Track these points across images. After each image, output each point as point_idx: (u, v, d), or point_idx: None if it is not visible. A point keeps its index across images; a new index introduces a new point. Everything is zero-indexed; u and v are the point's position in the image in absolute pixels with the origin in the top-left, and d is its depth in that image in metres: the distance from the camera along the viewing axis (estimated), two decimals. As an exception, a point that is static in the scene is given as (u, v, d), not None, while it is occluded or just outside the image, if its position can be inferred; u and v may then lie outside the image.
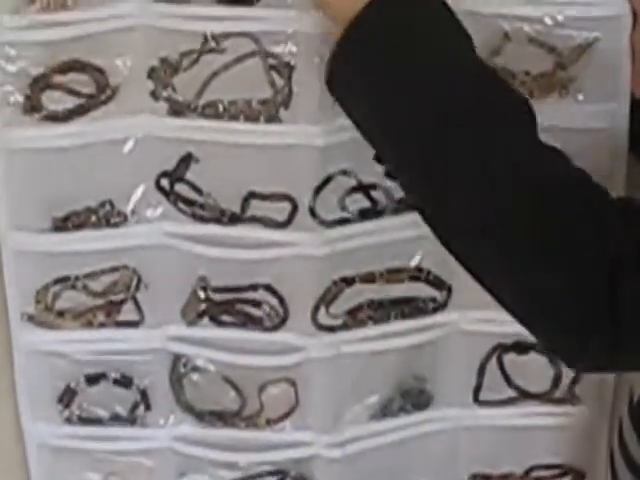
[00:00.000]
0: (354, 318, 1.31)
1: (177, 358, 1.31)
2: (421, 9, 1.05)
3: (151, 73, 1.20)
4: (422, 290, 1.31)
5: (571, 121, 1.21)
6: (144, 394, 1.33)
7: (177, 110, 1.21)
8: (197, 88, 1.21)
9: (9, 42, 1.17)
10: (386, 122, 1.04)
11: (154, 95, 1.21)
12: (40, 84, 1.19)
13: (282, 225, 1.26)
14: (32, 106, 1.20)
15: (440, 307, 1.32)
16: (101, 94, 1.20)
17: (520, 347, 1.34)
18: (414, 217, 1.18)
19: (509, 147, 1.01)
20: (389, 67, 1.03)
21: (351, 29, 1.04)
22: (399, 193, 1.25)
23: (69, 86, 1.20)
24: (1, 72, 1.18)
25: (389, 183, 1.26)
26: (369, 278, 1.30)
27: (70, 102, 1.21)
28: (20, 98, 1.19)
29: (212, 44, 1.19)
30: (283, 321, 1.30)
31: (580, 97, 1.23)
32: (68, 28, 1.18)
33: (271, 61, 1.19)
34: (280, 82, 1.20)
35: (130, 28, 1.18)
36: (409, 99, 1.02)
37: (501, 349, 1.35)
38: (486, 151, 1.00)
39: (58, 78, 1.19)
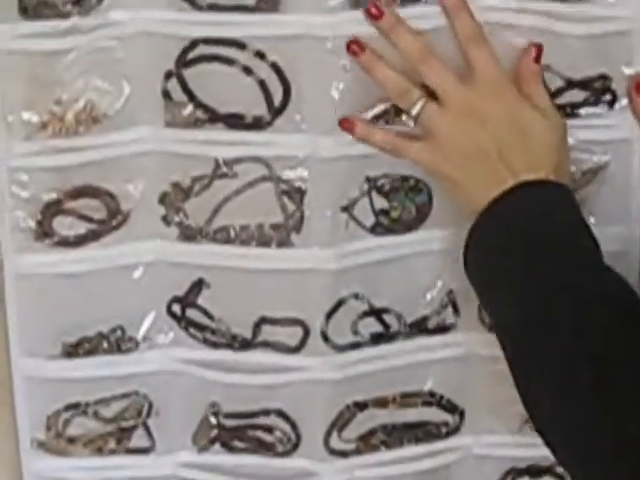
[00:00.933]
0: (367, 443, 1.23)
1: (188, 485, 1.20)
2: (556, 211, 1.05)
3: (163, 198, 1.15)
4: (435, 414, 1.23)
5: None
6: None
7: (188, 235, 1.16)
8: (209, 213, 1.15)
9: (21, 168, 1.13)
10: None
11: (165, 220, 1.15)
12: (52, 210, 1.14)
13: (294, 350, 1.19)
14: (44, 232, 1.14)
15: (453, 431, 1.24)
16: (112, 219, 1.15)
17: (534, 471, 1.25)
18: (426, 341, 1.19)
19: None
20: (511, 262, 1.04)
21: (484, 218, 1.05)
22: (411, 317, 1.20)
23: (81, 212, 1.15)
24: (13, 198, 1.13)
25: (401, 307, 1.20)
26: (382, 403, 1.22)
27: (82, 228, 1.16)
28: (32, 224, 1.14)
29: (224, 169, 1.14)
30: (295, 446, 1.22)
31: (592, 220, 1.15)
32: (80, 154, 1.13)
33: (283, 186, 1.14)
34: (292, 207, 1.14)
35: (142, 153, 1.13)
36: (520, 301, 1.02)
37: (515, 473, 1.26)
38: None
39: (69, 204, 1.14)
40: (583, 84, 1.14)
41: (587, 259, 1.02)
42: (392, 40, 1.07)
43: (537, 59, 1.07)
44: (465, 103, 1.06)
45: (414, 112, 1.07)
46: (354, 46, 1.07)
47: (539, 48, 1.07)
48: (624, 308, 0.98)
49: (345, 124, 1.10)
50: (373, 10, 1.06)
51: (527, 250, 1.02)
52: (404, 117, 1.09)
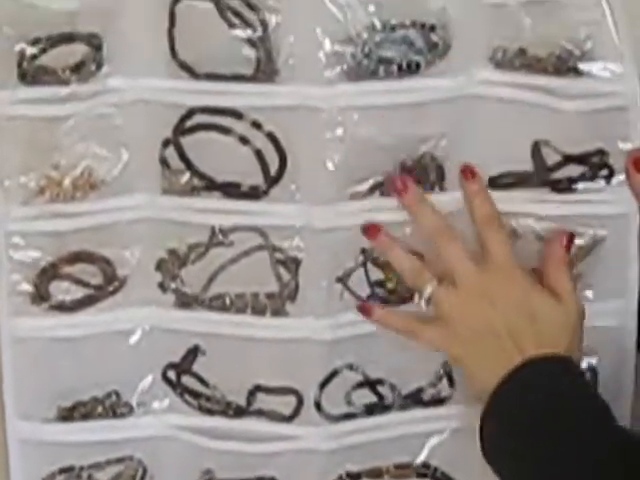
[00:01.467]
0: (360, 512, 1.17)
1: None
2: (563, 392, 1.05)
3: (159, 265, 1.13)
4: (429, 487, 1.18)
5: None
6: None
7: (184, 302, 1.13)
8: (204, 281, 1.13)
9: (18, 232, 1.10)
10: None
11: (162, 287, 1.13)
12: (48, 274, 1.11)
13: (288, 419, 1.15)
14: (40, 296, 1.11)
15: (447, 503, 1.18)
16: (109, 285, 1.13)
17: None
18: (421, 413, 1.16)
19: None
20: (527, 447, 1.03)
21: (494, 399, 1.05)
22: (406, 389, 1.17)
23: (77, 276, 1.12)
24: (10, 261, 1.11)
25: (396, 379, 1.17)
26: (376, 473, 1.18)
27: (78, 292, 1.13)
28: (28, 288, 1.12)
29: (220, 237, 1.12)
30: (288, 515, 1.16)
31: (589, 294, 1.15)
32: (77, 219, 1.11)
33: (278, 255, 1.12)
34: (287, 276, 1.12)
35: (139, 220, 1.11)
36: None
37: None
38: None
39: (66, 268, 1.12)
40: (580, 159, 1.12)
41: (597, 427, 1.02)
42: (413, 215, 1.09)
43: (568, 248, 1.10)
44: (477, 285, 1.07)
45: (426, 295, 1.08)
46: (370, 230, 1.09)
47: (571, 237, 1.10)
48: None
49: (363, 309, 1.12)
50: (399, 184, 1.08)
51: (535, 429, 1.02)
52: (415, 300, 1.11)
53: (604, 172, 1.12)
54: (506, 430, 1.04)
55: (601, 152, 1.12)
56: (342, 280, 1.12)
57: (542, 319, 1.05)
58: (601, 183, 1.12)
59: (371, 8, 1.08)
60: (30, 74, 1.07)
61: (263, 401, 1.15)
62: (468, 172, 1.09)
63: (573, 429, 1.01)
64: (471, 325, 1.07)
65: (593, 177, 1.12)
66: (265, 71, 1.08)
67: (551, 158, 1.12)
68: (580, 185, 1.12)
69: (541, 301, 1.06)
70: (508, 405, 1.04)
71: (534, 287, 1.06)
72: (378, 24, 1.09)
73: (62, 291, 1.12)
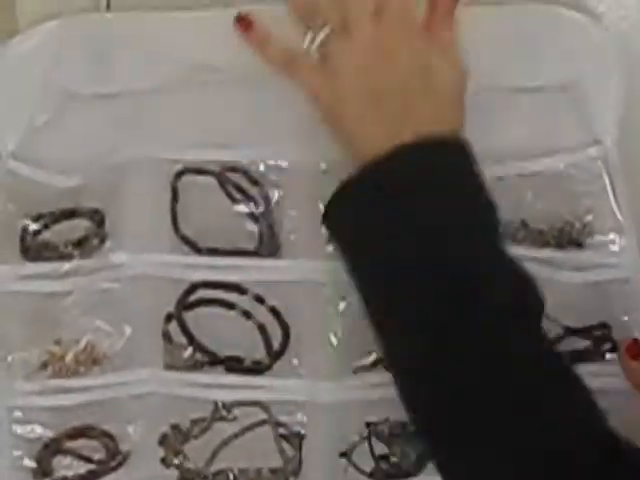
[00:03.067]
0: None
1: None
2: (454, 173, 0.87)
3: (162, 440, 1.01)
4: None
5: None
6: None
7: (188, 478, 1.01)
8: (208, 456, 1.01)
9: (21, 407, 1.00)
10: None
11: (165, 462, 1.01)
12: (51, 449, 1.00)
13: None
14: (43, 471, 1.00)
15: None
16: (111, 460, 1.01)
17: None
18: None
19: None
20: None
21: (369, 171, 0.86)
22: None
23: (80, 452, 1.01)
24: (12, 437, 1.01)
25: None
26: None
27: (80, 468, 1.01)
28: (30, 463, 1.00)
29: (223, 412, 1.01)
30: None
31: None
32: (79, 394, 1.01)
33: (281, 430, 1.01)
34: (290, 451, 1.01)
35: (141, 395, 1.01)
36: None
37: None
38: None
39: (69, 444, 1.00)
40: (583, 332, 1.03)
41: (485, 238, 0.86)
42: None
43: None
44: (374, 37, 0.90)
45: (318, 40, 0.92)
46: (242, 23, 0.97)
47: None
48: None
49: (242, 23, 0.96)
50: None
51: (418, 208, 0.85)
52: (305, 44, 0.93)
53: (607, 346, 1.03)
54: (378, 204, 0.85)
55: (604, 325, 1.03)
56: (346, 455, 1.01)
57: (438, 76, 0.90)
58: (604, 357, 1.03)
59: None
60: (33, 250, 1.01)
61: None
62: None
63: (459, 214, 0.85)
64: (364, 81, 0.89)
65: (596, 351, 1.03)
66: (268, 246, 1.02)
67: (553, 330, 1.01)
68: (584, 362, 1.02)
69: (438, 58, 0.90)
70: (388, 179, 0.85)
71: (433, 41, 0.91)
72: None
73: (64, 467, 1.01)
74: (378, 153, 0.85)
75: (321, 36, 0.91)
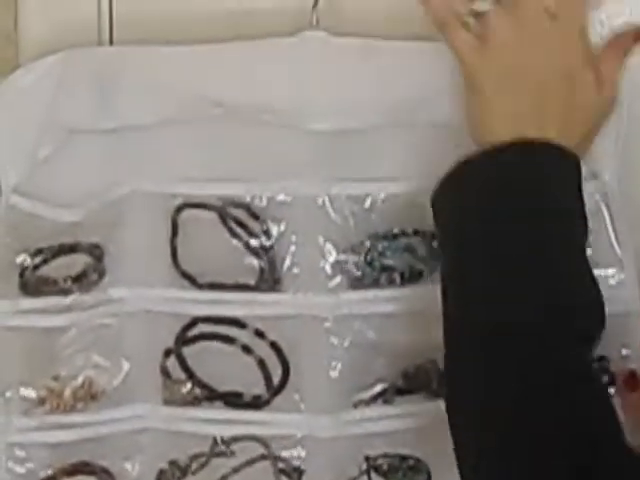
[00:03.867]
0: None
1: None
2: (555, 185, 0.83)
3: (160, 476, 0.97)
4: None
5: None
6: None
7: None
8: None
9: (18, 443, 0.97)
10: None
11: None
12: None
13: None
14: None
15: None
16: None
17: None
18: None
19: None
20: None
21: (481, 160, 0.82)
22: None
23: None
24: (9, 473, 0.97)
25: None
26: None
27: None
28: None
29: (222, 448, 0.97)
30: None
31: None
32: (77, 431, 0.97)
33: (280, 465, 0.97)
34: None
35: (140, 431, 0.97)
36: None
37: None
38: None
39: None
40: None
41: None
42: None
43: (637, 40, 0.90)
44: (540, 22, 0.85)
45: (482, 6, 0.87)
46: None
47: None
48: None
49: None
50: None
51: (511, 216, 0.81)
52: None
53: (605, 378, 0.97)
54: (490, 191, 0.82)
55: (602, 358, 0.97)
56: None
57: (581, 102, 0.86)
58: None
59: (373, 217, 0.97)
60: (31, 285, 0.97)
61: None
62: None
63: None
64: (513, 61, 0.85)
65: None
66: (268, 280, 0.98)
67: None
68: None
69: (589, 82, 0.86)
70: (506, 169, 0.82)
71: (591, 69, 0.86)
72: (380, 232, 0.98)
73: None
74: (498, 139, 0.81)
75: (486, 5, 0.87)
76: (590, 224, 0.91)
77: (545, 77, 0.84)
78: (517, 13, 0.85)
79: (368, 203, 0.95)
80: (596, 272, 0.91)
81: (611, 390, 0.94)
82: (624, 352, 0.94)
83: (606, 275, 0.94)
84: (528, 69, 0.84)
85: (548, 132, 0.82)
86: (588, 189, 0.93)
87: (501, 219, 0.81)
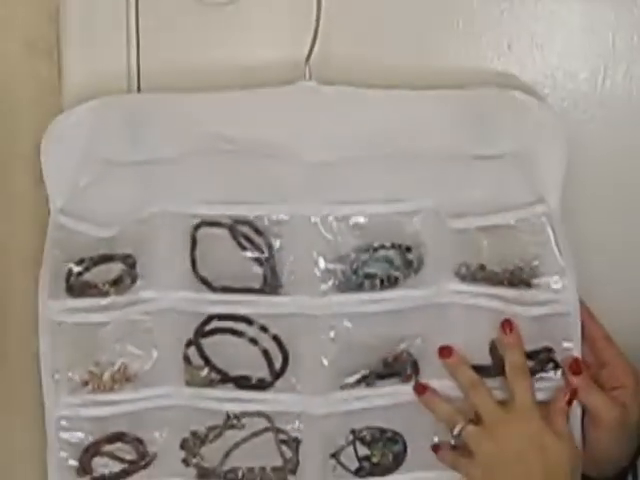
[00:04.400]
0: None
1: None
2: None
3: (183, 444, 1.04)
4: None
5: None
6: None
7: (204, 475, 1.05)
8: (221, 457, 1.04)
9: (66, 417, 1.03)
10: None
11: (185, 462, 1.04)
12: (91, 452, 1.04)
13: None
14: (84, 470, 1.04)
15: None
16: (141, 460, 1.05)
17: None
18: None
19: None
20: None
21: None
22: None
23: (114, 453, 1.05)
24: (58, 441, 1.03)
25: None
26: None
27: (115, 467, 1.04)
28: (74, 463, 1.04)
29: (233, 421, 1.05)
30: None
31: None
32: (115, 407, 1.04)
33: (281, 436, 1.04)
34: (289, 453, 1.04)
35: (166, 407, 1.04)
36: None
37: None
38: None
39: (105, 447, 1.04)
40: (530, 355, 1.03)
41: None
42: (453, 373, 1.03)
43: (569, 402, 1.02)
44: (502, 424, 1.00)
45: (456, 431, 1.01)
46: (445, 352, 1.03)
47: (573, 393, 1.02)
48: None
49: (419, 387, 1.03)
50: (445, 351, 1.02)
51: None
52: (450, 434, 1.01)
53: (550, 365, 1.04)
54: None
55: (548, 350, 1.04)
56: (335, 456, 1.04)
57: (550, 454, 0.98)
58: (548, 374, 1.04)
59: (357, 233, 1.03)
60: (76, 288, 1.03)
61: None
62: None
63: None
64: (491, 456, 0.99)
65: (541, 369, 1.04)
66: (270, 285, 1.04)
67: None
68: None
69: (551, 439, 0.98)
70: None
71: (547, 428, 0.99)
72: (363, 246, 1.04)
73: (102, 466, 1.05)
74: None
75: (458, 429, 1.00)
76: (538, 239, 1.00)
77: (516, 456, 0.97)
78: (482, 423, 0.98)
79: (352, 222, 1.01)
80: (543, 279, 1.02)
81: (557, 372, 1.01)
82: (565, 344, 1.01)
83: (551, 281, 1.01)
84: (505, 459, 0.98)
85: None
86: (536, 212, 1.02)
87: None
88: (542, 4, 1.06)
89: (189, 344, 1.02)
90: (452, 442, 1.00)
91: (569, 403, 1.00)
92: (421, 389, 1.02)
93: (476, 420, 0.99)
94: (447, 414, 1.01)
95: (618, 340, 1.04)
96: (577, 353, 1.02)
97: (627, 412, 1.00)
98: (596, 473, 1.02)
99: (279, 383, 1.03)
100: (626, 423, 1.00)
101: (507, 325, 1.00)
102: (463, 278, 1.03)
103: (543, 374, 1.03)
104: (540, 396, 1.01)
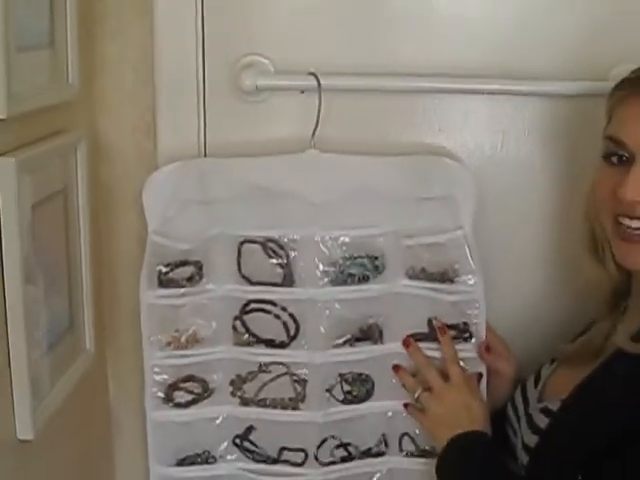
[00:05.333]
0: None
1: None
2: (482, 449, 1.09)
3: (231, 382, 1.21)
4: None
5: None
6: None
7: (245, 402, 1.21)
8: (255, 391, 1.21)
9: (156, 365, 1.19)
10: None
11: (232, 394, 1.21)
12: (172, 387, 1.20)
13: (300, 465, 1.23)
14: (168, 399, 1.20)
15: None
16: (204, 393, 1.21)
17: None
18: (371, 461, 1.20)
19: None
20: None
21: (445, 452, 1.09)
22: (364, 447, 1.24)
23: (187, 388, 1.20)
24: (152, 381, 1.19)
25: (358, 442, 1.22)
26: None
27: (188, 397, 1.20)
28: (162, 395, 1.19)
29: (263, 368, 1.20)
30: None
31: None
32: (188, 359, 1.19)
33: (295, 377, 1.20)
34: (299, 388, 1.20)
35: (221, 359, 1.20)
36: None
37: None
38: None
39: (182, 384, 1.20)
40: (452, 327, 1.20)
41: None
42: (412, 357, 1.16)
43: (480, 375, 1.16)
44: (444, 392, 1.13)
45: (416, 395, 1.15)
46: (406, 342, 1.16)
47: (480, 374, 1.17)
48: None
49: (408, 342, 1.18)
50: (406, 342, 1.16)
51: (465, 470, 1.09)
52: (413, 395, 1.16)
53: (466, 335, 1.20)
54: (444, 474, 1.10)
55: (465, 324, 1.20)
56: (329, 391, 1.21)
57: (472, 409, 1.11)
58: (466, 341, 1.20)
59: (344, 248, 1.18)
60: (164, 282, 1.18)
61: (286, 455, 1.23)
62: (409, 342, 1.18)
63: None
64: (437, 413, 1.13)
65: (460, 337, 1.20)
66: (288, 280, 1.18)
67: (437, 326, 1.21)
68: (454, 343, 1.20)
69: (472, 400, 1.12)
70: (446, 460, 1.10)
71: (471, 395, 1.13)
72: (347, 256, 1.18)
73: (179, 397, 1.21)
74: (445, 442, 1.09)
75: (418, 393, 1.15)
76: (459, 252, 1.16)
77: (455, 413, 1.10)
78: (432, 391, 1.13)
79: (340, 241, 1.17)
80: (462, 277, 1.16)
81: (472, 340, 1.18)
82: (475, 320, 1.18)
83: (467, 279, 1.18)
84: (447, 415, 1.11)
85: (466, 429, 1.09)
86: (458, 234, 1.16)
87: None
88: (461, 101, 1.19)
89: (236, 318, 1.19)
90: (415, 402, 1.16)
91: (480, 376, 1.17)
92: (407, 343, 1.16)
93: (429, 389, 1.14)
94: (411, 384, 1.16)
95: (505, 319, 1.21)
96: (483, 326, 1.18)
97: (513, 370, 1.19)
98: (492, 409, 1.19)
99: (293, 344, 1.19)
100: (512, 376, 1.19)
101: (442, 330, 1.16)
102: (411, 277, 1.18)
103: (462, 342, 1.19)
104: (461, 355, 1.17)
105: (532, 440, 1.06)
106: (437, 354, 1.18)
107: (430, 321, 1.21)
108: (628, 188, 0.96)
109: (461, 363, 1.20)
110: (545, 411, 1.06)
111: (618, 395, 0.97)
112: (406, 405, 1.18)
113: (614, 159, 1.01)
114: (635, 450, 0.92)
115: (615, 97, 1.02)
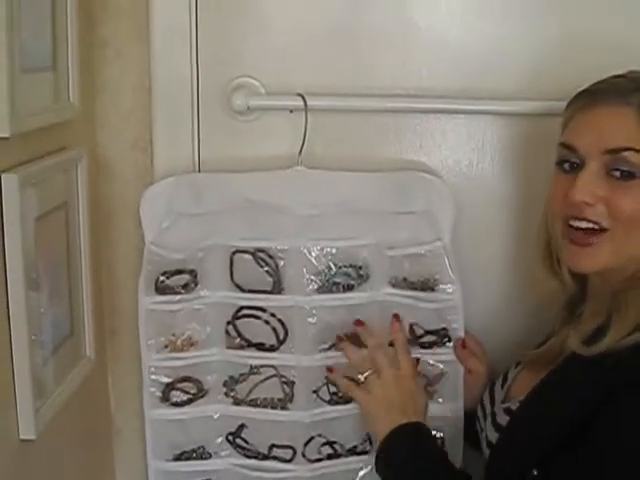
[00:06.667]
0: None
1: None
2: (422, 441, 1.06)
3: (224, 383, 1.19)
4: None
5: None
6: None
7: (237, 402, 1.20)
8: (247, 392, 1.19)
9: (154, 366, 1.18)
10: None
11: (226, 394, 1.19)
12: (169, 387, 1.19)
13: (288, 461, 1.21)
14: (165, 398, 1.19)
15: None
16: (199, 393, 1.20)
17: None
18: (356, 459, 1.18)
19: None
20: None
21: (384, 442, 1.06)
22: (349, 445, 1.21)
23: (183, 388, 1.19)
24: (150, 381, 1.17)
25: (343, 440, 1.20)
26: None
27: (184, 397, 1.19)
28: (159, 394, 1.18)
29: (254, 370, 1.19)
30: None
31: (440, 400, 1.19)
32: (184, 361, 1.18)
33: (283, 379, 1.18)
34: (287, 389, 1.18)
35: (214, 361, 1.18)
36: None
37: None
38: None
39: (178, 384, 1.19)
40: (433, 332, 1.20)
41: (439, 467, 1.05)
42: (362, 337, 1.13)
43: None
44: (391, 378, 1.10)
45: (362, 378, 1.12)
46: (357, 323, 1.14)
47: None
48: None
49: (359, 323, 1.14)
50: (357, 322, 1.14)
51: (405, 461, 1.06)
52: (359, 377, 1.12)
53: (446, 339, 1.19)
54: (389, 460, 1.06)
55: (444, 329, 1.20)
56: (315, 392, 1.20)
57: (415, 396, 1.10)
58: (445, 344, 1.19)
59: (329, 257, 1.17)
60: (161, 289, 1.17)
61: (275, 452, 1.22)
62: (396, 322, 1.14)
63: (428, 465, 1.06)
64: (382, 397, 1.09)
65: (440, 342, 1.20)
66: (277, 288, 1.17)
67: (419, 331, 1.20)
68: (435, 346, 1.19)
69: (418, 392, 1.11)
70: (392, 446, 1.07)
71: (415, 383, 1.11)
72: (332, 265, 1.17)
73: (175, 396, 1.19)
74: (386, 432, 1.06)
75: (366, 374, 1.11)
76: (438, 262, 1.14)
77: (398, 398, 1.07)
78: (379, 374, 1.09)
79: (326, 251, 1.16)
80: (441, 286, 1.15)
81: (450, 344, 1.17)
82: (454, 325, 1.18)
83: (446, 288, 1.17)
84: (391, 399, 1.07)
85: (408, 419, 1.06)
86: (437, 245, 1.15)
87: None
88: (440, 121, 1.19)
89: (228, 323, 1.17)
90: (361, 379, 1.11)
91: (417, 360, 1.13)
92: (358, 322, 1.11)
93: (377, 373, 1.11)
94: (344, 385, 1.14)
95: (481, 322, 1.19)
96: (461, 331, 1.17)
97: (485, 370, 1.17)
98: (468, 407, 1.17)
99: (282, 348, 1.17)
100: (485, 375, 1.17)
101: (395, 319, 1.14)
102: (393, 285, 1.17)
103: (441, 346, 1.18)
104: (441, 359, 1.16)
105: (494, 437, 1.05)
106: (419, 357, 1.17)
107: (412, 327, 1.19)
108: (577, 190, 0.95)
109: (440, 365, 1.19)
110: (507, 411, 1.05)
111: (570, 396, 0.95)
112: (330, 370, 1.15)
113: (566, 166, 1.00)
114: (585, 448, 0.91)
115: (573, 107, 1.01)
